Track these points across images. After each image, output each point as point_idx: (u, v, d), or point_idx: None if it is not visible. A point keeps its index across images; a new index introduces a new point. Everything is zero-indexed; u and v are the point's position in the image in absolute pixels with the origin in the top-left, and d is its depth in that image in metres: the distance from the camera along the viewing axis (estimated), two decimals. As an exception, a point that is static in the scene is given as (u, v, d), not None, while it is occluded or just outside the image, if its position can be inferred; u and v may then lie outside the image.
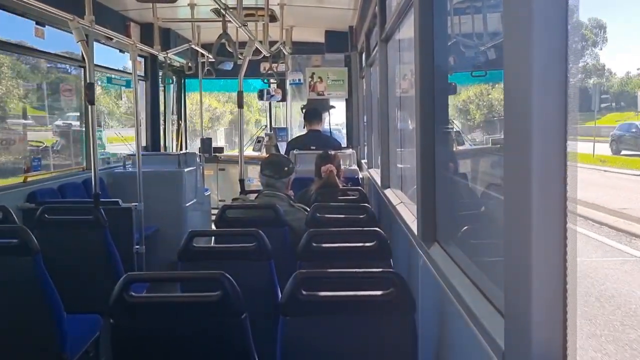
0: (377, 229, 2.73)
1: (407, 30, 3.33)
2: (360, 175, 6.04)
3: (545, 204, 1.07)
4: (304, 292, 1.94)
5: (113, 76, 7.16)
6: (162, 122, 7.82)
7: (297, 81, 8.05)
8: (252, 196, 4.19)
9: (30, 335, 2.75)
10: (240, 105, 4.99)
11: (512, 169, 1.17)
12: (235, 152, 8.46)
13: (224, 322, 2.00)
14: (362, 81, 7.08)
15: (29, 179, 4.57)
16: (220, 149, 8.54)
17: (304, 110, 7.26)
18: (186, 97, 8.83)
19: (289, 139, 7.54)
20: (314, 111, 6.64)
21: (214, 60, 6.41)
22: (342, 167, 4.59)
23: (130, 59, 4.92)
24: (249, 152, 8.00)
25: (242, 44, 5.35)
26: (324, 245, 2.61)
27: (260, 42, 5.63)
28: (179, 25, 7.00)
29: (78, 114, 6.41)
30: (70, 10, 3.85)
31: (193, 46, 6.37)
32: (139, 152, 4.67)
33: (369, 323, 1.96)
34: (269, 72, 7.31)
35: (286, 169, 3.74)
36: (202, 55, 6.97)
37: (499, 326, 1.29)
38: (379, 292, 1.95)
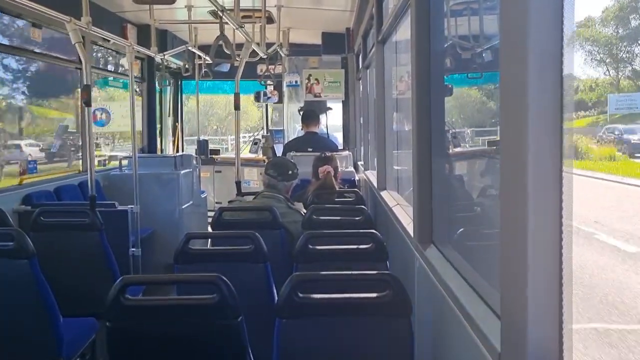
0: (373, 231, 2.73)
1: (404, 32, 3.33)
2: (357, 177, 6.05)
3: (541, 205, 1.07)
4: (300, 295, 1.93)
5: (110, 78, 7.16)
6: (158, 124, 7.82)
7: (294, 83, 8.05)
8: (249, 198, 4.19)
9: (26, 338, 2.74)
10: (237, 107, 4.99)
11: (508, 170, 1.18)
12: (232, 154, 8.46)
13: (220, 325, 2.00)
14: (359, 83, 7.09)
15: (24, 181, 4.56)
16: (216, 151, 8.54)
17: (301, 112, 7.27)
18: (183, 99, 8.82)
19: (286, 141, 7.54)
20: (311, 113, 6.65)
21: (211, 62, 6.41)
22: (340, 169, 4.59)
23: (127, 61, 4.91)
24: (245, 154, 8.00)
25: (239, 46, 5.35)
26: (320, 247, 2.61)
27: (257, 43, 5.63)
28: (176, 27, 7.00)
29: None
30: (67, 11, 3.85)
31: (190, 48, 6.37)
32: (135, 154, 4.66)
33: (365, 325, 1.96)
34: (266, 74, 7.32)
35: (290, 172, 3.76)
36: (199, 57, 6.97)
37: (495, 328, 1.29)
38: (375, 294, 1.95)
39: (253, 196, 3.99)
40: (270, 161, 3.95)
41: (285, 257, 3.10)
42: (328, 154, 4.54)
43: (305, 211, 3.47)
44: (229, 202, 4.23)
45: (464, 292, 1.66)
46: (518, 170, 1.11)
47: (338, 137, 8.16)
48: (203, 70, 7.24)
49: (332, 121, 8.18)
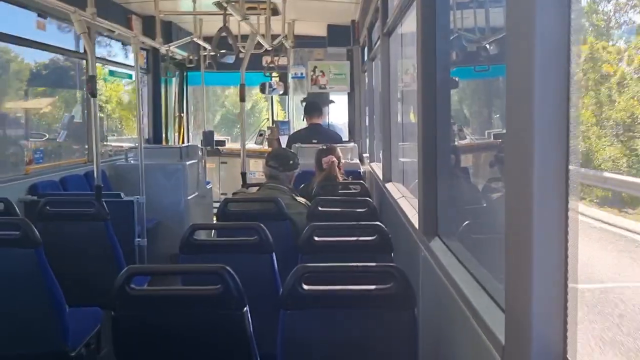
0: (378, 223, 2.73)
1: (410, 24, 3.32)
2: (362, 169, 6.04)
3: (546, 199, 1.07)
4: (304, 286, 1.94)
5: (116, 69, 7.16)
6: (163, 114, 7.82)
7: (299, 75, 8.04)
8: (254, 189, 4.19)
9: (32, 327, 2.76)
10: (242, 98, 4.99)
11: (514, 163, 1.17)
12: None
13: (225, 315, 2.01)
14: (364, 75, 7.07)
15: (30, 171, 4.58)
16: (222, 142, 8.54)
17: (304, 104, 7.27)
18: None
19: (291, 132, 7.54)
20: (314, 104, 6.64)
21: (215, 53, 6.41)
22: (343, 160, 4.59)
23: (133, 52, 4.91)
24: (251, 145, 8.00)
25: (245, 37, 5.34)
26: (325, 238, 2.61)
27: (262, 35, 5.62)
28: (181, 18, 6.99)
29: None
30: (72, 2, 3.85)
31: (195, 39, 6.37)
32: (141, 145, 4.67)
33: (369, 317, 1.97)
34: (271, 65, 7.30)
35: (291, 162, 3.77)
36: (204, 48, 6.97)
37: (499, 321, 1.30)
38: (379, 286, 1.95)
39: (257, 188, 4.00)
40: (270, 153, 3.97)
41: (290, 248, 3.11)
42: (330, 145, 4.54)
43: (309, 203, 3.48)
44: (233, 193, 4.23)
45: (468, 285, 1.66)
46: (524, 163, 1.10)
47: (343, 129, 8.15)
48: (207, 62, 7.23)
49: (336, 114, 8.18)
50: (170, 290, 2.11)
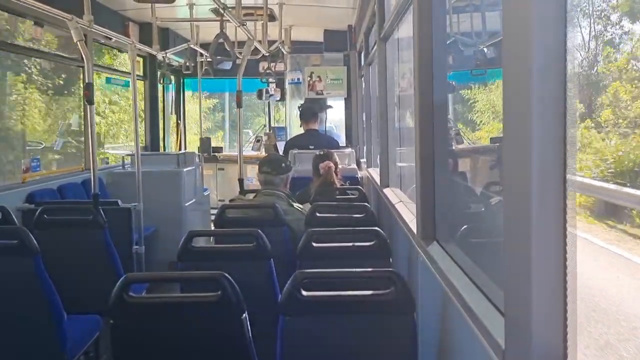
0: (376, 228, 2.73)
1: (406, 29, 3.32)
2: (359, 175, 6.04)
3: (545, 202, 1.07)
4: (303, 292, 1.93)
5: (112, 76, 7.16)
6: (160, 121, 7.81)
7: (296, 80, 8.04)
8: (251, 196, 4.19)
9: (31, 336, 2.75)
10: (239, 104, 4.99)
11: (512, 168, 1.17)
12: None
13: (224, 322, 2.00)
14: (361, 80, 7.08)
15: (27, 179, 4.57)
16: (219, 149, 8.53)
17: (299, 109, 7.27)
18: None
19: (288, 138, 7.53)
20: (309, 110, 6.62)
21: (212, 59, 6.42)
22: (340, 165, 4.59)
23: (129, 59, 4.91)
24: (248, 151, 8.00)
25: (241, 44, 5.35)
26: (323, 244, 2.61)
27: (259, 41, 5.63)
28: (178, 25, 7.00)
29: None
30: (69, 10, 3.85)
31: (192, 46, 6.37)
32: (138, 152, 4.66)
33: (368, 322, 1.96)
34: (268, 71, 7.30)
35: (284, 165, 3.75)
36: (201, 54, 6.97)
37: (499, 325, 1.29)
38: (378, 292, 1.95)
39: (253, 194, 3.99)
40: (261, 160, 3.92)
41: (288, 254, 3.10)
42: (327, 150, 4.54)
43: (305, 209, 3.47)
44: (230, 200, 4.22)
45: (467, 289, 1.65)
46: (522, 168, 1.10)
47: (340, 134, 8.15)
48: (204, 68, 7.23)
49: (335, 119, 8.16)
50: (168, 298, 2.11)
